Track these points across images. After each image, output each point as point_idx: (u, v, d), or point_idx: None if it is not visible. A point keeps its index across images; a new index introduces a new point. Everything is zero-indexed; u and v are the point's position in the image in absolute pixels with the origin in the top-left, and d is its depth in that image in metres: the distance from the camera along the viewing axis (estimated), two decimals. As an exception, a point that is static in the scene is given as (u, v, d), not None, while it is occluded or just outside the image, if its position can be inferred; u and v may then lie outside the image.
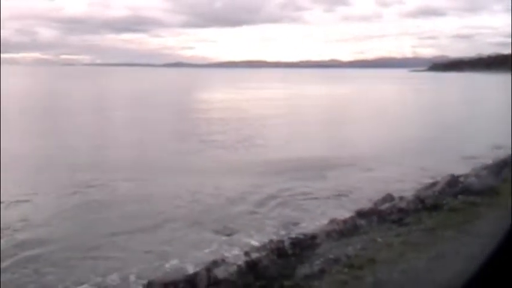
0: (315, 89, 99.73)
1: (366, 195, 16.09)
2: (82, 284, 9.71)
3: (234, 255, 10.58)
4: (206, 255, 11.05)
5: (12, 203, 15.25)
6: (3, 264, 10.61)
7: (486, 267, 1.65)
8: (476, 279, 1.65)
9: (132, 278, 9.96)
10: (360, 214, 12.59)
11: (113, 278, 9.99)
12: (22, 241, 12.15)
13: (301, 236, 10.68)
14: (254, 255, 9.34)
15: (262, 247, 10.09)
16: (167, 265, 10.61)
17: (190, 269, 9.95)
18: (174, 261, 10.81)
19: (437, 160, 21.52)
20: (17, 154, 22.37)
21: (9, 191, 16.25)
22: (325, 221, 12.88)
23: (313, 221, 13.51)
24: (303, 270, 7.99)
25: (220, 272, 8.49)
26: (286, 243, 9.93)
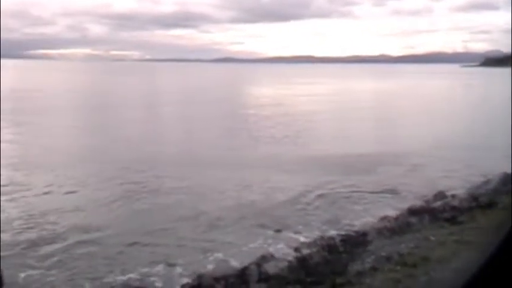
0: (364, 85, 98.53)
1: (415, 192, 15.79)
2: (129, 273, 9.90)
3: (283, 250, 10.53)
4: (252, 249, 11.00)
5: (66, 193, 15.80)
6: (56, 247, 11.02)
7: (486, 267, 1.65)
8: (476, 279, 1.66)
9: (178, 269, 10.04)
10: (412, 212, 12.39)
11: (159, 269, 10.06)
12: (73, 228, 12.57)
13: (352, 233, 10.58)
14: (305, 252, 9.31)
15: (313, 243, 10.03)
16: (211, 258, 10.58)
17: (235, 263, 9.92)
18: (219, 254, 10.78)
19: (486, 157, 20.90)
20: (70, 147, 22.98)
21: (62, 182, 16.86)
22: (374, 218, 12.70)
23: (362, 218, 13.29)
24: (355, 267, 7.90)
25: (270, 268, 8.47)
26: (337, 240, 9.86)
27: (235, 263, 9.97)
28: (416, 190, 16.07)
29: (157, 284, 9.46)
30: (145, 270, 10.01)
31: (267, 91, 74.56)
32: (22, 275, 9.55)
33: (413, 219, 11.55)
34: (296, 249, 9.81)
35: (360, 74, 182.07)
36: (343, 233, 11.10)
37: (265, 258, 9.42)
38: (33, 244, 11.37)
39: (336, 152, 22.84)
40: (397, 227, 10.83)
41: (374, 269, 7.74)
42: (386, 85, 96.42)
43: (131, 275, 9.72)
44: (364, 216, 13.45)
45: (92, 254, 10.95)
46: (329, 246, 9.46)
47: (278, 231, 12.31)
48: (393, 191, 16.28)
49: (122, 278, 9.62)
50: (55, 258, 10.62)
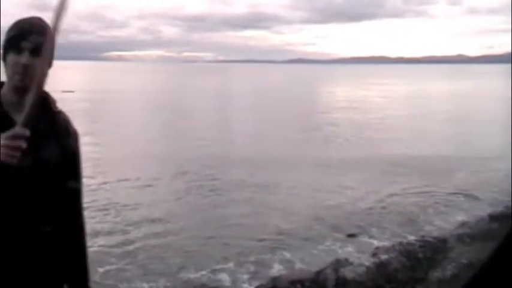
0: (441, 86, 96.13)
1: (496, 198, 15.19)
2: (202, 269, 9.99)
3: (358, 255, 10.35)
4: (323, 252, 10.85)
5: (141, 187, 16.43)
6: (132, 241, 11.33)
7: (486, 267, 1.61)
8: (476, 279, 1.64)
9: (250, 267, 10.07)
10: (493, 218, 11.95)
11: (230, 265, 10.16)
12: (147, 220, 13.01)
13: (431, 239, 10.28)
14: (382, 257, 9.11)
15: (391, 248, 9.79)
16: (281, 257, 10.55)
17: (309, 266, 9.78)
18: (287, 254, 10.74)
19: None
20: (148, 145, 23.66)
21: (138, 175, 17.54)
22: (453, 224, 12.36)
23: (440, 223, 12.97)
24: (435, 274, 7.63)
25: (347, 272, 8.33)
26: (416, 246, 9.60)
27: (309, 266, 9.89)
28: (496, 196, 15.44)
29: (229, 284, 9.51)
30: (218, 267, 10.11)
31: (342, 92, 73.91)
32: (101, 270, 9.85)
33: (494, 226, 11.11)
34: (373, 254, 9.60)
35: (437, 74, 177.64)
36: (421, 238, 10.79)
37: (340, 263, 9.28)
38: (110, 236, 11.77)
39: (414, 154, 22.32)
40: (478, 234, 10.43)
41: (455, 276, 7.47)
42: (465, 86, 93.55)
43: (203, 272, 9.83)
44: (442, 221, 13.06)
45: (165, 247, 11.26)
46: (408, 252, 9.19)
47: (351, 235, 12.10)
48: (472, 196, 15.72)
49: (195, 276, 9.75)
50: (130, 252, 10.94)
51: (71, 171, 2.90)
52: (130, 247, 11.27)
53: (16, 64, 2.62)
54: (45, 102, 2.80)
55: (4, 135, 2.40)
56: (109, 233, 12.14)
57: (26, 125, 2.47)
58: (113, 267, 10.15)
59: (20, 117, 2.58)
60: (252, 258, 10.51)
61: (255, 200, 15.06)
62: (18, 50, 2.62)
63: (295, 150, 23.78)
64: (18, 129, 2.44)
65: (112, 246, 11.28)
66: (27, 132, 2.44)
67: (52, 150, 2.76)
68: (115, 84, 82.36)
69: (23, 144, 2.42)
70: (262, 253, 10.88)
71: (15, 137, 2.42)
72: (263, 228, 12.57)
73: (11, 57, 2.64)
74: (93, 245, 10.83)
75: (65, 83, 64.37)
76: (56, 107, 2.87)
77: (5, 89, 2.75)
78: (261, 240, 11.79)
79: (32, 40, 2.62)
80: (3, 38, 2.72)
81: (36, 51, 2.61)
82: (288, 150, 23.82)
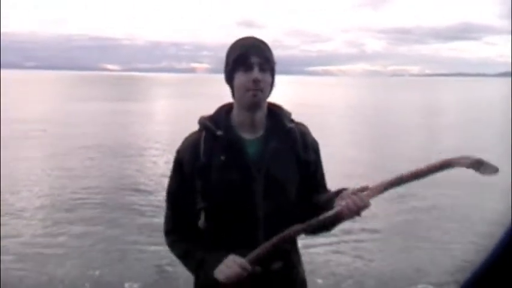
0: None
1: None
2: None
3: None
4: None
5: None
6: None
7: (486, 267, 1.58)
8: (476, 279, 1.60)
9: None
10: None
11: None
12: None
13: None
14: None
15: None
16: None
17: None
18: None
19: None
20: (347, 157, 23.64)
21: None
22: None
23: None
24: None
25: None
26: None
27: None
28: None
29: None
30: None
31: None
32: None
33: None
34: None
35: None
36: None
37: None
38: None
39: None
40: None
41: None
42: None
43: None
44: None
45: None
46: None
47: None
48: None
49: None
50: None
51: (312, 184, 2.91)
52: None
53: (247, 81, 2.66)
54: (278, 118, 2.84)
55: (228, 263, 2.56)
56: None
57: (252, 262, 2.58)
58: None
59: (250, 136, 2.75)
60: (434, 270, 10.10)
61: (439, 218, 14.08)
62: (247, 67, 2.65)
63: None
64: (243, 263, 2.56)
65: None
66: (249, 269, 2.56)
67: (286, 167, 2.75)
68: (323, 99, 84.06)
69: (244, 274, 2.54)
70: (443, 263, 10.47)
71: (240, 267, 2.56)
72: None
73: (240, 75, 2.67)
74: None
75: (271, 97, 66.80)
76: (289, 122, 2.85)
77: (235, 110, 2.80)
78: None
79: (260, 55, 2.67)
80: (225, 61, 2.76)
81: (263, 66, 2.68)
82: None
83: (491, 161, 2.46)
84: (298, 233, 2.61)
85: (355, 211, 2.51)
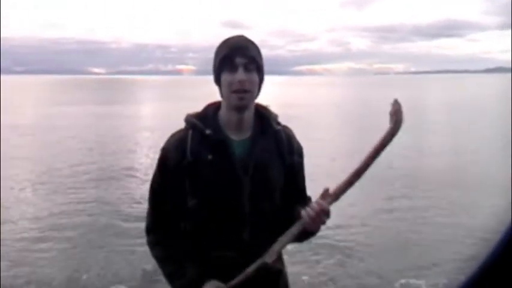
0: None
1: None
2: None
3: None
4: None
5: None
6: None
7: (486, 266, 1.57)
8: (476, 279, 1.59)
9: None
10: None
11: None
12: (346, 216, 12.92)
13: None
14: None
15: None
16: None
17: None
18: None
19: None
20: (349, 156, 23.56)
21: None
22: None
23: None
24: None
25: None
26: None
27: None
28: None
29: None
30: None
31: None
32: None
33: None
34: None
35: None
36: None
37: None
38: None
39: None
40: None
41: None
42: None
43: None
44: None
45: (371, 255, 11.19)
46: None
47: None
48: None
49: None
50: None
51: (295, 188, 2.89)
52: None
53: (232, 82, 2.62)
54: (265, 120, 2.81)
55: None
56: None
57: (237, 285, 2.60)
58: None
59: (237, 137, 2.73)
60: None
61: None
62: (232, 68, 2.61)
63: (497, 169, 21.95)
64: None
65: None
66: None
67: (272, 169, 2.73)
68: (308, 98, 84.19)
69: None
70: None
71: None
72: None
73: (226, 76, 2.64)
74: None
75: (259, 98, 66.69)
76: (276, 124, 2.83)
77: (223, 110, 2.76)
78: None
79: (245, 55, 2.62)
80: (213, 61, 2.73)
81: (249, 66, 2.63)
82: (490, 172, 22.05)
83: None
84: (275, 260, 2.61)
85: (315, 218, 2.56)
